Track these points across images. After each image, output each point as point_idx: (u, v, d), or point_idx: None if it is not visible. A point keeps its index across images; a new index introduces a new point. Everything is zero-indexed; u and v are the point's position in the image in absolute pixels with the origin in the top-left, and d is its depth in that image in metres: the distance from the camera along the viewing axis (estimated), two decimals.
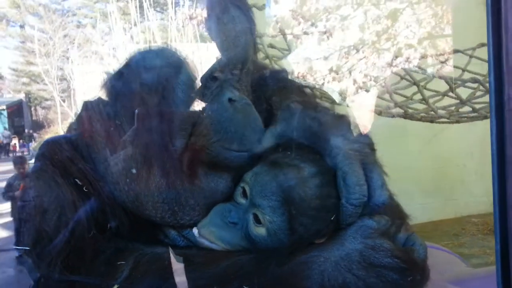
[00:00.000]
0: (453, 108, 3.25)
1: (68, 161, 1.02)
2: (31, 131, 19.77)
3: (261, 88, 1.26)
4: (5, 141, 19.24)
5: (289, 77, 1.35)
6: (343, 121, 1.13)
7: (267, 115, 1.19)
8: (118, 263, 1.00)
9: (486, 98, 3.10)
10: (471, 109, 3.22)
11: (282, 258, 0.98)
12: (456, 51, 3.51)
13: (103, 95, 1.18)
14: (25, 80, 22.92)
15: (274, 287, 0.96)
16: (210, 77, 1.12)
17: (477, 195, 5.18)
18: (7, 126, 22.47)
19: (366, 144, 1.07)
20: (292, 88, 1.30)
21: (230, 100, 1.11)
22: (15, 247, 0.97)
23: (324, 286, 0.96)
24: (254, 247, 1.04)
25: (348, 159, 1.02)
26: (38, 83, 22.29)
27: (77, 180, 1.02)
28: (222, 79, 1.15)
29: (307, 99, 1.29)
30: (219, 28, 1.14)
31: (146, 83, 1.14)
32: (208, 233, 1.06)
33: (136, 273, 1.00)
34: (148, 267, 1.01)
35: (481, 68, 3.22)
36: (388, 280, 0.96)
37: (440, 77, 3.19)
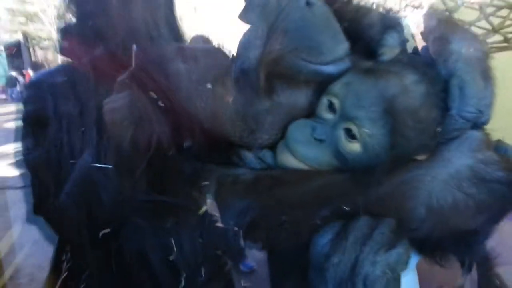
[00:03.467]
0: None
1: (140, 72, 0.90)
2: (14, 74, 18.57)
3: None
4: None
5: None
6: (462, 28, 0.99)
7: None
8: (202, 184, 0.93)
9: None
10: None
11: (382, 177, 0.89)
12: None
13: None
14: (21, 19, 22.07)
15: (375, 208, 0.88)
16: None
17: None
18: (6, 67, 21.97)
19: (486, 54, 0.94)
20: None
21: (307, 3, 0.97)
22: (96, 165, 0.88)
23: (432, 207, 0.87)
24: (346, 165, 0.94)
25: (471, 66, 0.90)
26: (35, 22, 21.51)
27: (152, 93, 0.92)
28: None
29: None
30: None
31: None
32: (293, 151, 0.96)
33: (222, 195, 0.92)
34: (233, 188, 0.93)
35: None
36: (498, 195, 0.88)
37: None
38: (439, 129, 0.91)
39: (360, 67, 0.95)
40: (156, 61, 0.95)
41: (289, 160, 0.97)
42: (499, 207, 0.91)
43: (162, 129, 0.92)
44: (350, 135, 0.92)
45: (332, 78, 0.98)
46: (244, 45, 0.99)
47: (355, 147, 0.92)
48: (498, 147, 0.97)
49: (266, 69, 0.93)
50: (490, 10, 3.00)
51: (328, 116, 0.97)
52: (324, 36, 0.95)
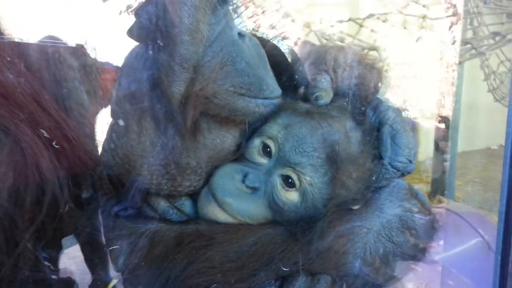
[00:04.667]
0: None
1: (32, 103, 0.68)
2: None
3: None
4: None
5: None
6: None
7: None
8: (110, 248, 0.72)
9: None
10: None
11: (323, 231, 0.81)
12: None
13: None
14: None
15: (314, 265, 0.80)
16: None
17: None
18: None
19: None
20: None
21: (240, 35, 0.88)
22: None
23: (366, 260, 0.83)
24: (280, 216, 0.85)
25: (400, 116, 0.89)
26: None
27: (43, 131, 0.70)
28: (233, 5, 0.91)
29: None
30: None
31: None
32: (221, 204, 0.83)
33: (135, 263, 0.74)
34: (149, 252, 0.75)
35: None
36: (420, 239, 0.89)
37: None
38: (373, 178, 0.87)
39: (297, 109, 0.87)
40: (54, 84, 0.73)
41: (215, 213, 0.84)
42: (420, 251, 0.93)
43: (54, 177, 0.70)
44: (288, 182, 0.83)
45: (264, 117, 0.89)
46: (132, 63, 0.84)
47: (292, 196, 0.83)
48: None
49: (197, 108, 0.79)
50: None
51: (262, 160, 0.87)
52: (262, 71, 0.86)
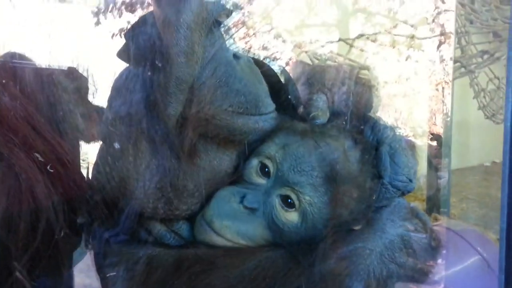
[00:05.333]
0: None
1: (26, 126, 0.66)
2: None
3: None
4: None
5: None
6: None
7: None
8: (107, 275, 0.70)
9: None
10: None
11: (324, 253, 0.79)
12: None
13: None
14: None
15: None
16: (214, 21, 0.85)
17: None
18: None
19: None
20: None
21: (234, 56, 0.88)
22: None
23: (369, 282, 0.81)
24: (280, 238, 0.83)
25: (397, 135, 0.89)
26: None
27: (37, 155, 0.68)
28: (226, 27, 0.91)
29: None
30: None
31: None
32: (218, 229, 0.81)
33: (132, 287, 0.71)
34: (147, 278, 0.73)
35: None
36: (423, 259, 0.88)
37: None
38: (373, 197, 0.86)
39: (294, 128, 0.86)
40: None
41: (212, 238, 0.82)
42: (423, 272, 0.91)
43: (49, 201, 0.68)
44: (287, 203, 0.82)
45: (261, 137, 0.88)
46: (123, 85, 0.83)
47: (292, 216, 0.82)
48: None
49: (196, 130, 0.78)
50: None
51: (260, 180, 0.86)
52: (258, 89, 0.86)
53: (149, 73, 0.82)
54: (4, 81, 0.63)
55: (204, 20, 0.80)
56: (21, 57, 0.92)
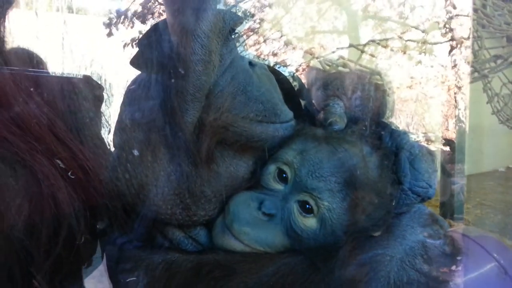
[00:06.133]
0: None
1: (48, 133, 0.68)
2: None
3: None
4: None
5: None
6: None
7: None
8: (127, 280, 0.70)
9: None
10: None
11: (344, 260, 0.79)
12: None
13: None
14: None
15: None
16: (230, 29, 0.86)
17: None
18: None
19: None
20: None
21: (250, 64, 0.89)
22: None
23: None
24: (299, 244, 0.83)
25: (416, 140, 0.88)
26: None
27: (59, 162, 0.69)
28: (240, 36, 0.92)
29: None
30: None
31: None
32: (237, 234, 0.81)
33: None
34: (166, 284, 0.73)
35: None
36: (443, 266, 0.86)
37: None
38: (393, 203, 0.86)
39: (311, 134, 0.86)
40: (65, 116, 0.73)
41: (231, 243, 0.82)
42: (443, 278, 0.90)
43: (71, 208, 0.69)
44: (306, 208, 0.82)
45: (278, 143, 0.88)
46: (137, 93, 0.84)
47: (310, 222, 0.82)
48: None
49: (213, 137, 0.78)
50: None
51: (278, 186, 0.86)
52: (275, 97, 0.87)
53: (164, 80, 0.83)
54: (29, 89, 0.65)
55: (220, 29, 0.81)
56: (41, 66, 0.94)
